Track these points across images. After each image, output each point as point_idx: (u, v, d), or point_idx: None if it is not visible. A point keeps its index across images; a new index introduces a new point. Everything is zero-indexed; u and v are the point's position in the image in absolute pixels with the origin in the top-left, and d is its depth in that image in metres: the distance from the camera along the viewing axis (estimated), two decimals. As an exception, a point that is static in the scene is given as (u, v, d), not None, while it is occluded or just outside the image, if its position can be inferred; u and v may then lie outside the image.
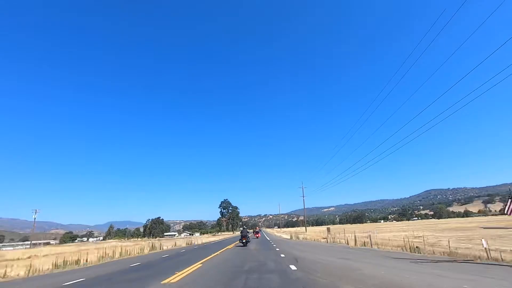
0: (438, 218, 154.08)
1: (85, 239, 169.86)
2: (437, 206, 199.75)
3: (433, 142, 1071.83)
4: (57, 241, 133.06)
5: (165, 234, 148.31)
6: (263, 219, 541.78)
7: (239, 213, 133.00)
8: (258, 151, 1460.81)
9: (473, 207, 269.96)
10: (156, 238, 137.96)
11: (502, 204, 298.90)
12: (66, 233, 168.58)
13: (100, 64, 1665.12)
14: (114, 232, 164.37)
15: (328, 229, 40.37)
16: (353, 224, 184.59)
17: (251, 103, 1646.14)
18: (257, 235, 43.64)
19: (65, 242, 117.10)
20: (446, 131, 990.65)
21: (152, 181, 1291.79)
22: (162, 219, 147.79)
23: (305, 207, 78.50)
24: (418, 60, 25.08)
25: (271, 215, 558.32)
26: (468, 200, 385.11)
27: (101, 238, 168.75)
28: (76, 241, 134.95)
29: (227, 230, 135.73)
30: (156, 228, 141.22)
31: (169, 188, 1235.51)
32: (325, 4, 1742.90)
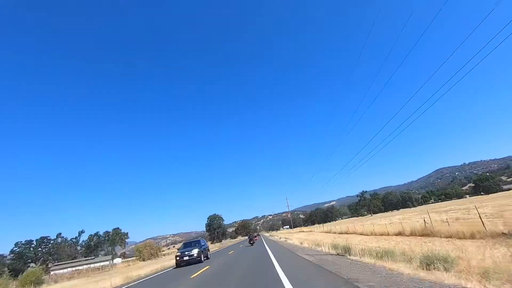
0: (487, 193, 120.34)
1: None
2: (481, 176, 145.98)
3: (429, 122, 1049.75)
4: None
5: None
6: (262, 221, 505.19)
7: (223, 220, 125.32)
8: (250, 150, 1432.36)
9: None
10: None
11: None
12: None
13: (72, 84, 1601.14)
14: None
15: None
16: (372, 215, 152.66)
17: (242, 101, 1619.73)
18: (256, 238, 45.68)
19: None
20: (448, 107, 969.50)
21: (144, 199, 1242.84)
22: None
23: (304, 204, 50.29)
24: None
25: (270, 215, 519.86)
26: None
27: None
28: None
29: (212, 243, 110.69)
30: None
31: (161, 205, 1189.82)
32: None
